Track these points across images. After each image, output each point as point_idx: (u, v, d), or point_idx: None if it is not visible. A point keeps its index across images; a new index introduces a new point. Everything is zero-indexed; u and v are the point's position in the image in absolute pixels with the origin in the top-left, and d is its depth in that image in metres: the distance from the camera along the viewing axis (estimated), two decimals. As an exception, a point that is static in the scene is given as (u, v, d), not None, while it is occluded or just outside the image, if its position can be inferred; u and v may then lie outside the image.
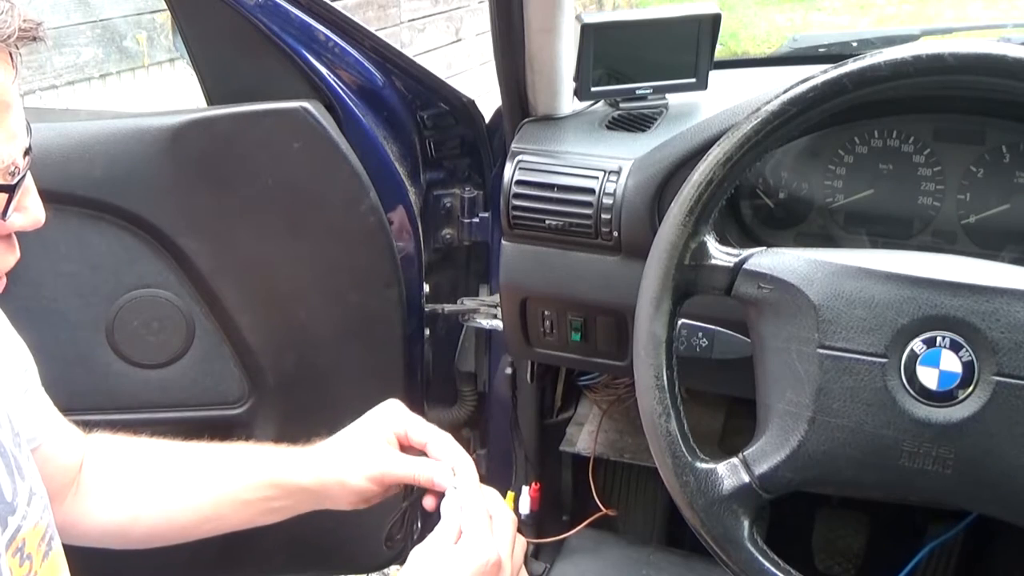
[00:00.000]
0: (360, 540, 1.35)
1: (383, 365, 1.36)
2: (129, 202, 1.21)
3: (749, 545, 0.83)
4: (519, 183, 1.15)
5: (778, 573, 0.83)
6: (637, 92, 1.21)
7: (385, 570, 1.59)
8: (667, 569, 1.40)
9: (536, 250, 1.17)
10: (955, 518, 1.31)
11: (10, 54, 0.65)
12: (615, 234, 1.11)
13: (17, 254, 0.73)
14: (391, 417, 0.95)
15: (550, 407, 1.48)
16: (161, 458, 0.99)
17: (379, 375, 1.36)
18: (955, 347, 0.78)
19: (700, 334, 0.97)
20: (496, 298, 1.36)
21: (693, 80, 1.21)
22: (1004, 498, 0.79)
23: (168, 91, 3.87)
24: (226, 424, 1.31)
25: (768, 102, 0.84)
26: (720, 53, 1.21)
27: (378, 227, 1.27)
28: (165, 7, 1.26)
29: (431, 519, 0.90)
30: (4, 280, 0.73)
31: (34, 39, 0.66)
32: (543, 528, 1.50)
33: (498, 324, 1.35)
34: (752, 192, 1.14)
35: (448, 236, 1.41)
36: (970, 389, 0.77)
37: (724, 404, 1.40)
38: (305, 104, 1.20)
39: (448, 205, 1.40)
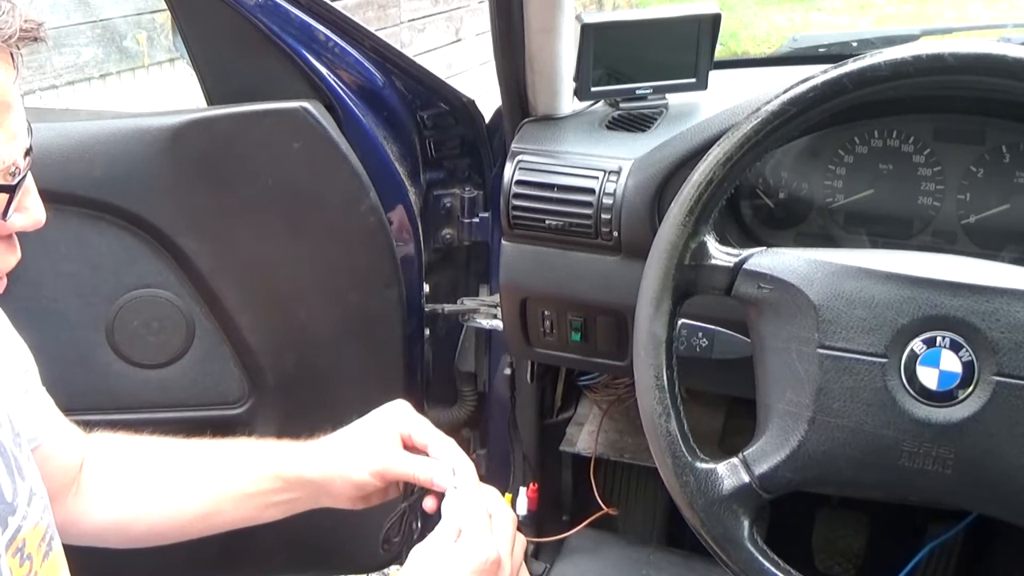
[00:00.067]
0: (360, 540, 1.35)
1: (383, 365, 1.36)
2: (129, 202, 1.21)
3: (749, 545, 0.83)
4: (519, 183, 1.15)
5: (778, 573, 0.83)
6: (637, 92, 1.21)
7: (385, 570, 1.59)
8: (667, 569, 1.39)
9: (536, 250, 1.17)
10: (955, 518, 1.31)
11: (11, 54, 0.65)
12: (615, 234, 1.11)
13: (18, 254, 0.73)
14: (398, 416, 0.96)
15: (550, 407, 1.48)
16: (162, 454, 0.99)
17: (379, 375, 1.37)
18: (955, 347, 0.78)
19: (700, 334, 0.97)
20: (496, 298, 1.36)
21: (693, 80, 1.21)
22: (1004, 498, 0.79)
23: (168, 91, 3.87)
24: (226, 424, 1.31)
25: (768, 102, 0.84)
26: (720, 53, 1.21)
27: (378, 227, 1.27)
28: (165, 7, 1.26)
29: (430, 520, 0.90)
30: (5, 280, 0.73)
31: (35, 39, 0.66)
32: (543, 528, 1.50)
33: (498, 324, 1.35)
34: (752, 192, 1.14)
35: (448, 236, 1.41)
36: (970, 389, 0.77)
37: (724, 404, 1.40)
38: (305, 104, 1.20)
39: (448, 205, 1.40)
